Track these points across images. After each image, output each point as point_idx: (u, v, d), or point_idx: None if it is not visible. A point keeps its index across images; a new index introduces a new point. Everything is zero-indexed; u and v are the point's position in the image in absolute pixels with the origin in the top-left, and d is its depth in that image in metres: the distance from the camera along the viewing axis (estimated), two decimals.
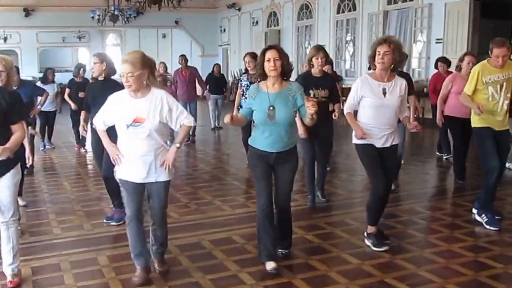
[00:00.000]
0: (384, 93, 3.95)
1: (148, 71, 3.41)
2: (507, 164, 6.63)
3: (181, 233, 4.67)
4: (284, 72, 3.60)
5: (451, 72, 7.23)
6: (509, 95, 4.49)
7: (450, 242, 4.22)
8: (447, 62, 7.85)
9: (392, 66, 3.93)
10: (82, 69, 8.94)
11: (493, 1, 10.27)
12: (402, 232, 4.54)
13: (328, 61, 5.30)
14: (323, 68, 5.27)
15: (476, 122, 4.59)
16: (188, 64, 10.03)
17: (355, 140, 4.10)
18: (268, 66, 3.53)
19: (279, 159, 3.68)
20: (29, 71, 22.76)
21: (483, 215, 4.60)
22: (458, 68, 6.05)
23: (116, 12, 13.66)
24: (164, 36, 23.23)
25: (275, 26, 17.10)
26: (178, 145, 3.50)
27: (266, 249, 3.71)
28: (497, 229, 4.44)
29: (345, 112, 4.17)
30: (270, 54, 3.53)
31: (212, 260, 3.99)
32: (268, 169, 3.70)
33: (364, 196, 5.73)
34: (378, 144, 4.02)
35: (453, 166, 6.46)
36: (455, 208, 5.27)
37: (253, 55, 6.81)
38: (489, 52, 4.42)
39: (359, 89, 4.03)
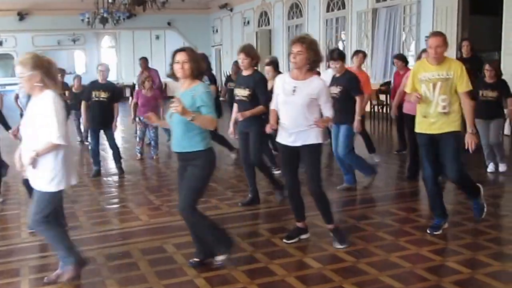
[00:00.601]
0: (294, 91, 3.88)
1: (41, 73, 3.31)
2: (489, 167, 6.45)
3: (147, 236, 4.56)
4: (195, 74, 3.52)
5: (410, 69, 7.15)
6: (445, 96, 4.04)
7: (419, 245, 4.05)
8: (402, 59, 7.80)
9: (308, 65, 3.86)
10: (59, 74, 8.89)
11: None
12: (372, 234, 4.38)
13: (254, 61, 5.04)
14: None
15: (415, 127, 4.35)
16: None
17: None
18: (176, 68, 3.49)
19: (184, 161, 3.61)
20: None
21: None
22: None
23: (105, 15, 13.53)
24: (157, 37, 23.08)
25: (266, 25, 16.96)
26: (33, 153, 3.29)
27: None
28: (430, 232, 4.26)
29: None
30: (179, 57, 3.48)
31: (171, 265, 3.86)
32: (183, 171, 3.65)
33: (338, 196, 5.61)
34: (287, 141, 3.99)
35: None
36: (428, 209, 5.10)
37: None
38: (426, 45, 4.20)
39: (275, 86, 4.06)
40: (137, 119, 8.01)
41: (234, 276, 3.59)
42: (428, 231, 4.27)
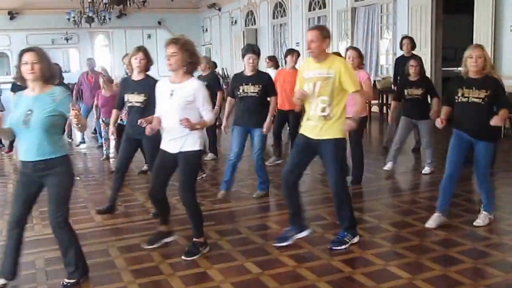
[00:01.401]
0: (171, 95, 3.65)
1: None
2: (387, 165, 6.15)
3: (94, 239, 4.35)
4: (45, 77, 3.22)
5: None
6: (325, 97, 3.67)
7: (365, 248, 3.87)
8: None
9: (185, 67, 3.62)
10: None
11: None
12: (320, 236, 4.17)
13: (149, 64, 4.70)
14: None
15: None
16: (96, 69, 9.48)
17: None
18: (25, 70, 3.18)
19: (41, 171, 3.24)
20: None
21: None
22: None
23: (90, 14, 13.27)
24: (149, 36, 22.78)
25: (252, 25, 16.73)
26: None
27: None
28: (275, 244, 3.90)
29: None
30: (27, 57, 3.17)
31: (110, 269, 3.67)
32: (29, 184, 3.29)
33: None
34: (168, 148, 3.75)
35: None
36: (387, 210, 4.92)
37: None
38: None
39: (156, 92, 3.83)
40: (100, 120, 7.76)
41: (169, 282, 3.41)
42: (275, 244, 3.89)
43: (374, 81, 11.31)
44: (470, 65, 3.96)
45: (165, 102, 3.68)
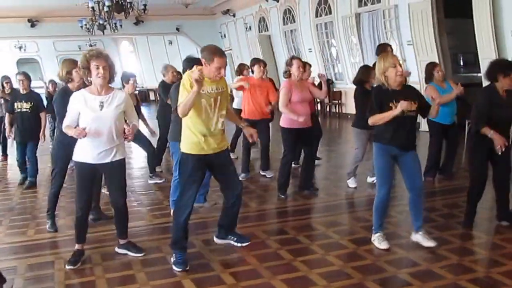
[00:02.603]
0: (101, 107, 3.59)
1: None
2: (351, 182, 5.74)
3: (48, 249, 4.23)
4: None
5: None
6: (223, 112, 3.59)
7: (313, 267, 3.58)
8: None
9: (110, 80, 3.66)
10: (5, 81, 8.52)
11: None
12: (273, 252, 3.91)
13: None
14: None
15: (184, 147, 3.58)
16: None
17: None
18: None
19: None
20: (51, 78, 22.99)
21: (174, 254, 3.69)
22: (287, 73, 5.26)
23: (101, 22, 13.26)
24: (170, 42, 22.80)
25: (265, 31, 16.47)
26: None
27: None
28: (180, 269, 3.57)
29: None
30: None
31: (47, 283, 3.53)
32: None
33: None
34: (94, 160, 3.64)
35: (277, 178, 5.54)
36: (354, 224, 4.60)
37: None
38: (206, 59, 3.45)
39: (73, 104, 3.65)
40: None
41: None
42: (175, 268, 3.62)
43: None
44: (396, 76, 3.60)
45: (96, 114, 3.58)
